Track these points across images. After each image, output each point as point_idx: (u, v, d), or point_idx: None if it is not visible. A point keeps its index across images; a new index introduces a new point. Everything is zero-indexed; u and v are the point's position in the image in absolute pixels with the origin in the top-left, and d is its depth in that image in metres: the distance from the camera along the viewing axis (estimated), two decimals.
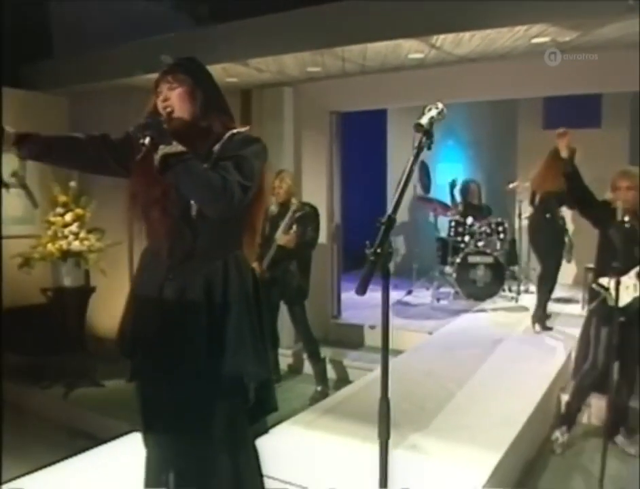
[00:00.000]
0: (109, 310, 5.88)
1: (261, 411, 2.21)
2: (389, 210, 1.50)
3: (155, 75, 2.07)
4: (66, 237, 5.22)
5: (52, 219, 5.27)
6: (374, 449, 3.08)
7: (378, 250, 1.46)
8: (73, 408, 4.91)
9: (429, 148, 1.63)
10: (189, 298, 2.00)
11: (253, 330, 2.09)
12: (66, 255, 5.21)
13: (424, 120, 1.65)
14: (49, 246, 5.18)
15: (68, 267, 5.27)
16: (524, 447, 3.54)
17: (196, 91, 2.03)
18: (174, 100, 2.00)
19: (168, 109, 2.00)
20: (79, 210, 5.30)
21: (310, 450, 3.22)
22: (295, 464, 2.92)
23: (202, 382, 1.99)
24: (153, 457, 2.18)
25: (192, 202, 1.96)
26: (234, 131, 2.04)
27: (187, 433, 2.04)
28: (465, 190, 7.63)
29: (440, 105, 1.72)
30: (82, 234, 5.27)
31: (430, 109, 1.70)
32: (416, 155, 1.61)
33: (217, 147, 2.00)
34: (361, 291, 1.44)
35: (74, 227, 5.25)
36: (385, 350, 1.58)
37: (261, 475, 2.20)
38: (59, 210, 5.28)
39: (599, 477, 3.08)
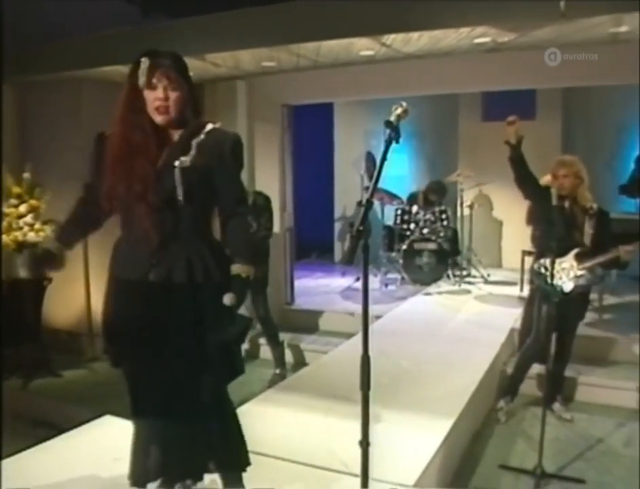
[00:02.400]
0: (63, 301, 5.92)
1: (232, 374, 2.32)
2: (368, 194, 1.77)
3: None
4: (21, 228, 5.19)
5: (6, 210, 5.23)
6: (335, 421, 3.37)
7: (360, 228, 1.72)
8: (33, 398, 4.91)
9: (397, 141, 1.86)
10: (175, 279, 2.15)
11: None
12: (21, 246, 5.19)
13: (392, 118, 1.89)
14: (4, 237, 5.15)
15: (24, 259, 5.26)
16: (473, 416, 3.85)
17: (189, 96, 2.19)
18: (172, 102, 2.12)
19: (162, 108, 2.11)
20: (33, 202, 5.27)
21: (278, 424, 3.41)
22: (265, 438, 3.05)
23: (192, 355, 2.16)
24: (142, 432, 2.34)
25: (177, 187, 2.10)
26: (212, 126, 2.20)
27: (181, 404, 2.21)
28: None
29: (404, 104, 1.96)
30: (37, 225, 5.25)
31: (396, 109, 1.93)
32: (387, 147, 1.85)
33: (196, 141, 2.15)
34: (349, 261, 1.78)
35: (29, 219, 5.22)
36: (365, 313, 1.80)
37: (243, 438, 2.40)
38: (13, 201, 5.24)
39: (539, 440, 3.35)
